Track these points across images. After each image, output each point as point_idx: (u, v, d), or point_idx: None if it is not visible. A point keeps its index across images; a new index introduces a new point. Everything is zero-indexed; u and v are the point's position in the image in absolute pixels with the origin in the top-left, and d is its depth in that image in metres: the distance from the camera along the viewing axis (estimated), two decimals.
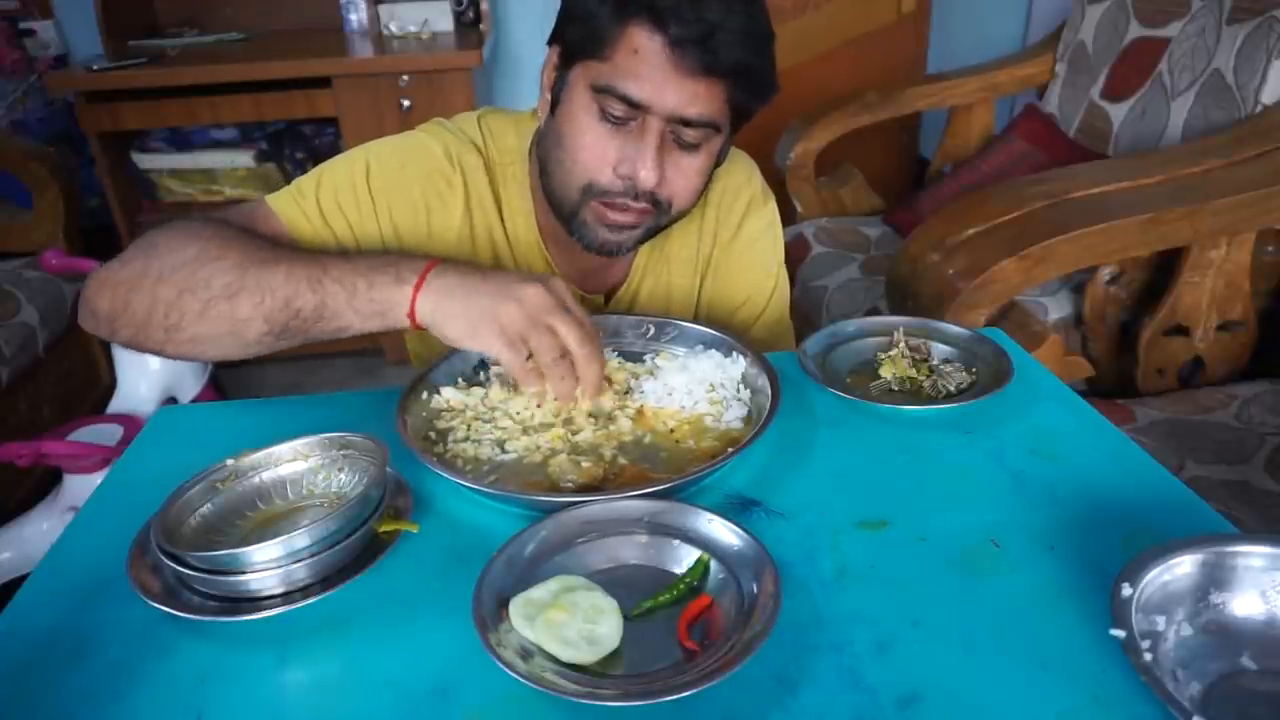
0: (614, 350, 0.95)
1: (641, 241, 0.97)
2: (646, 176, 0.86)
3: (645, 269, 1.07)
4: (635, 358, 0.93)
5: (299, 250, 0.85)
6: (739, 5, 0.81)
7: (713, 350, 0.90)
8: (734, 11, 0.81)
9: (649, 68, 0.82)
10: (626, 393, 0.86)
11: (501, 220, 1.00)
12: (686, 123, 0.85)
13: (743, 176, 1.09)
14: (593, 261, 1.02)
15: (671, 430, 0.82)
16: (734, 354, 0.89)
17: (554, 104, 0.90)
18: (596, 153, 0.87)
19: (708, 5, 0.80)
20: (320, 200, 0.92)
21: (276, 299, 0.78)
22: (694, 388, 0.85)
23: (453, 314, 0.77)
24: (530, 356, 0.78)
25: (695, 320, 1.02)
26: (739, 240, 1.09)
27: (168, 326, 0.80)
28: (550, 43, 0.91)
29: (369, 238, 0.94)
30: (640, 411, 0.84)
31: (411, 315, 0.78)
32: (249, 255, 0.80)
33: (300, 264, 0.80)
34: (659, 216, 0.92)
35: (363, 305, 0.79)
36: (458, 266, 0.80)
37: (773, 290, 1.12)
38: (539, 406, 0.84)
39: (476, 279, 0.79)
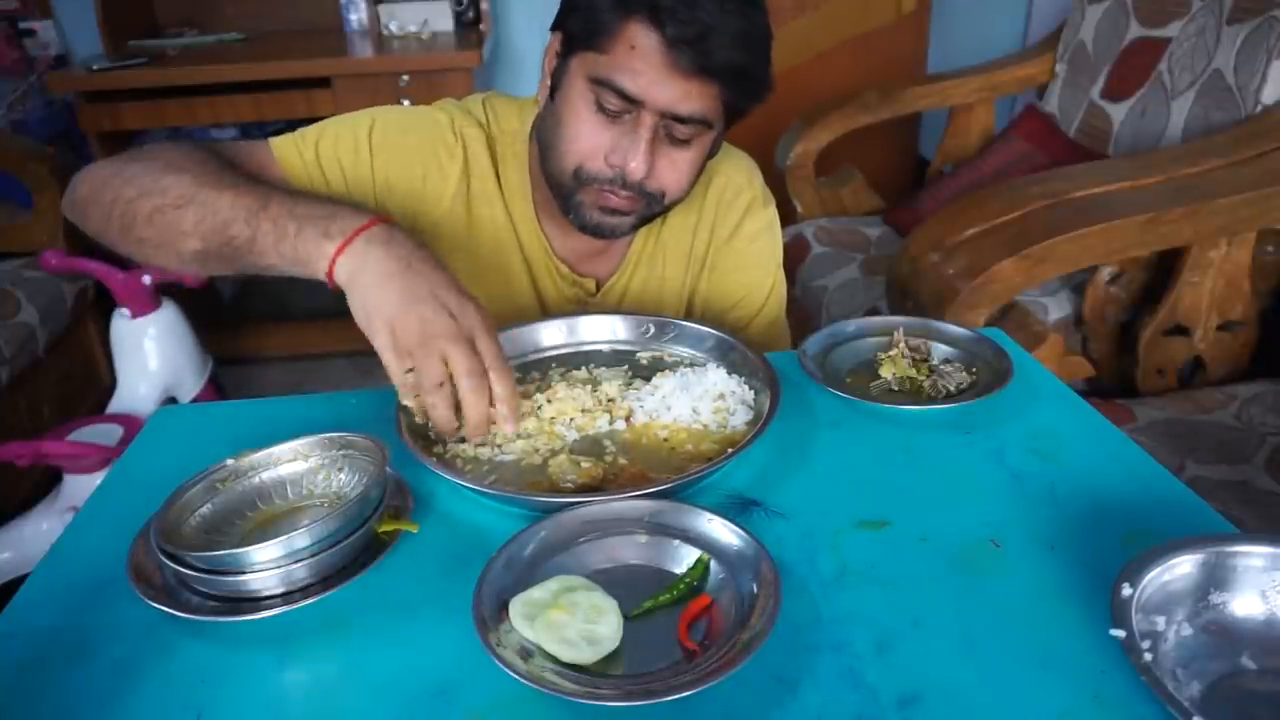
0: (626, 368, 0.93)
1: (636, 228, 0.98)
2: (636, 168, 0.88)
3: (639, 259, 1.08)
4: (629, 356, 0.94)
5: (258, 182, 0.82)
6: (735, 6, 0.83)
7: (715, 363, 0.90)
8: (730, 13, 0.82)
9: (645, 64, 0.84)
10: (627, 417, 0.85)
11: (502, 195, 1.01)
12: (679, 119, 0.87)
13: (744, 178, 1.10)
14: (587, 245, 1.03)
15: (666, 439, 0.82)
16: (735, 357, 0.89)
17: (553, 89, 0.93)
18: (590, 141, 0.89)
19: (704, 6, 0.81)
20: (319, 145, 0.95)
21: (216, 221, 0.78)
22: (698, 405, 0.83)
23: (362, 288, 0.73)
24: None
25: (693, 320, 1.02)
26: (737, 238, 1.10)
27: (123, 225, 0.82)
28: (553, 29, 0.93)
29: (360, 183, 0.96)
30: (631, 426, 0.84)
31: (330, 275, 0.75)
32: (209, 175, 0.81)
33: (247, 194, 0.79)
34: (650, 205, 0.94)
35: (287, 251, 0.76)
36: (395, 239, 0.75)
37: (770, 290, 1.13)
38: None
39: (400, 266, 0.73)
